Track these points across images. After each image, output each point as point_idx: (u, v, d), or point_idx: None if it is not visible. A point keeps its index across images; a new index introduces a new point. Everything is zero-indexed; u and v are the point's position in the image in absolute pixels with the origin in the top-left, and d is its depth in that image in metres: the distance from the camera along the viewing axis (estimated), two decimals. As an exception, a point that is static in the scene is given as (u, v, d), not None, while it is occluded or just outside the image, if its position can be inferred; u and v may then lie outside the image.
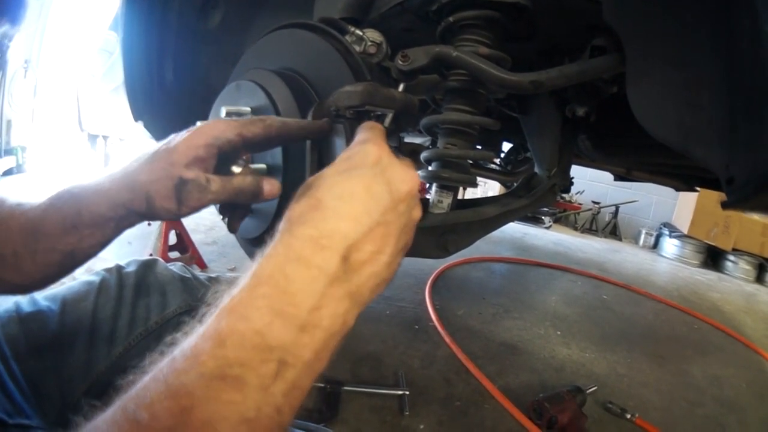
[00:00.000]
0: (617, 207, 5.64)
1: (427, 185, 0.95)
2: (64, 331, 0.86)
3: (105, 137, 3.73)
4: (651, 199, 5.78)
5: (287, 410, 0.35)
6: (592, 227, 5.64)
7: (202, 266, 2.20)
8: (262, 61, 0.78)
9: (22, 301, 0.87)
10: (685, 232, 4.82)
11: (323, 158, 0.62)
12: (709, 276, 4.37)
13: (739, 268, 4.60)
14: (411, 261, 2.65)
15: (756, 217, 4.49)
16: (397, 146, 1.10)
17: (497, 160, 2.03)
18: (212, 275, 1.24)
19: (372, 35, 0.78)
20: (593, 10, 0.71)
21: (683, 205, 5.15)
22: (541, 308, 2.42)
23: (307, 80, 0.70)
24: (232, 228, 0.68)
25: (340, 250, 0.41)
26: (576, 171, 1.58)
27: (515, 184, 1.24)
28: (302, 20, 0.74)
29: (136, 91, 1.33)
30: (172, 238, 2.16)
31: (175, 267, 1.14)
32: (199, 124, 0.61)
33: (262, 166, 0.68)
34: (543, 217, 5.34)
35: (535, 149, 1.26)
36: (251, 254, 0.91)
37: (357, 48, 0.76)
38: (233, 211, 0.67)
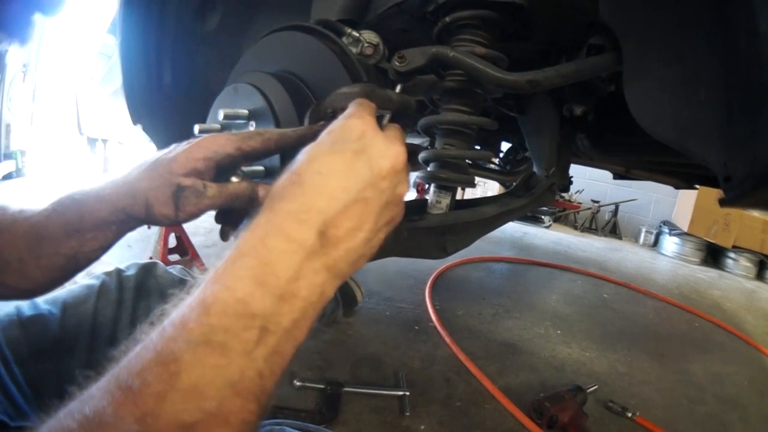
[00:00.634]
0: (617, 205, 5.64)
1: (426, 185, 0.95)
2: (64, 334, 0.86)
3: (104, 141, 3.73)
4: (650, 198, 5.79)
5: (269, 374, 0.37)
6: (591, 226, 5.64)
7: (202, 269, 2.20)
8: (259, 64, 0.78)
9: (23, 304, 0.87)
10: (685, 229, 4.82)
11: None
12: (710, 273, 4.37)
13: (739, 265, 4.60)
14: (410, 262, 2.65)
15: (756, 214, 4.49)
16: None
17: (496, 160, 2.03)
18: None
19: (369, 36, 0.78)
20: (590, 9, 0.71)
21: (683, 203, 5.15)
22: (542, 307, 2.42)
23: (304, 82, 0.70)
24: (224, 236, 0.69)
25: (317, 225, 0.42)
26: (575, 170, 1.58)
27: (514, 184, 1.24)
28: (299, 23, 0.74)
29: (134, 95, 1.33)
30: (172, 241, 2.16)
31: (175, 270, 1.15)
32: (199, 136, 0.62)
33: (260, 168, 0.68)
34: (543, 217, 5.34)
35: (533, 149, 1.27)
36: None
37: (354, 49, 0.76)
38: (228, 218, 0.68)
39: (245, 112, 0.70)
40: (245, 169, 0.67)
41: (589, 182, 5.66)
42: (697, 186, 2.02)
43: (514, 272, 3.09)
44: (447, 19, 0.82)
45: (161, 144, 1.45)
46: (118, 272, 1.02)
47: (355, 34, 0.77)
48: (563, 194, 5.44)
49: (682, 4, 0.62)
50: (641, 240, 5.58)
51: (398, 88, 0.77)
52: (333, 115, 0.59)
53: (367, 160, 0.47)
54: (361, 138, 0.48)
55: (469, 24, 0.81)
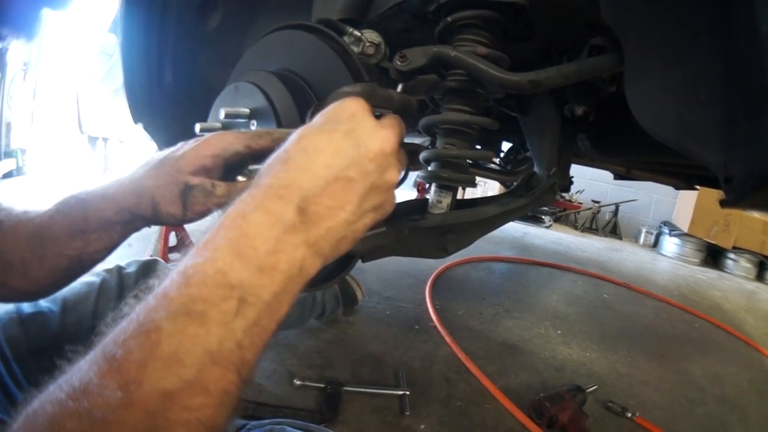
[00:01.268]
0: (617, 206, 5.64)
1: (427, 185, 0.95)
2: (64, 332, 0.87)
3: (105, 139, 3.73)
4: (651, 198, 5.79)
5: (248, 346, 0.37)
6: (592, 226, 5.64)
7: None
8: (260, 63, 0.78)
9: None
10: (686, 230, 4.82)
11: None
12: (710, 274, 4.37)
13: (739, 266, 4.60)
14: (411, 261, 2.65)
15: (756, 215, 4.49)
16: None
17: (497, 160, 2.03)
18: None
19: (370, 36, 0.78)
20: (591, 10, 0.71)
21: (683, 204, 5.15)
22: (542, 308, 2.42)
23: (305, 81, 0.70)
24: None
25: (296, 201, 0.42)
26: (576, 170, 1.58)
27: (515, 184, 1.24)
28: (300, 21, 0.74)
29: (135, 93, 1.33)
30: (173, 240, 2.16)
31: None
32: (203, 135, 0.63)
33: (262, 167, 0.68)
34: (543, 217, 5.34)
35: (534, 149, 1.27)
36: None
37: (355, 49, 0.76)
38: None
39: (246, 111, 0.70)
40: (252, 167, 0.67)
41: (590, 182, 5.66)
42: (698, 187, 2.03)
43: (514, 272, 3.09)
44: (448, 18, 0.82)
45: (162, 143, 1.45)
46: (119, 269, 1.02)
47: (357, 33, 0.77)
48: (564, 194, 5.44)
49: (683, 5, 0.62)
50: (641, 240, 5.58)
51: (399, 88, 0.77)
52: None
53: (354, 139, 0.47)
54: (352, 118, 0.49)
55: (471, 24, 0.81)
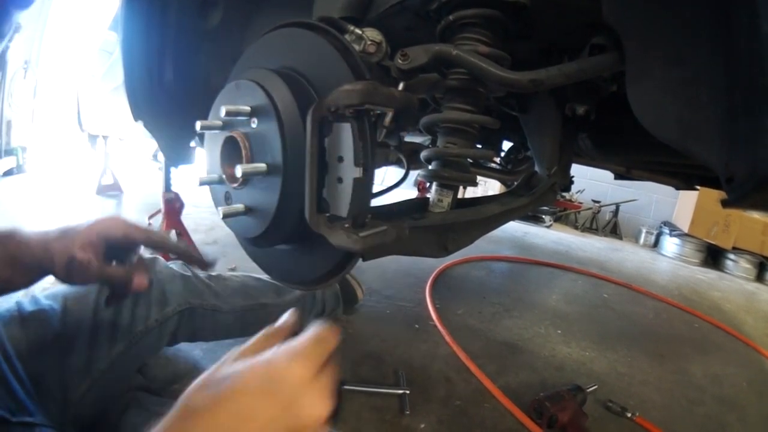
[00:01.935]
0: (617, 206, 5.64)
1: (428, 184, 0.95)
2: (65, 329, 0.87)
3: (105, 137, 3.73)
4: (651, 198, 5.79)
5: None
6: (592, 226, 5.64)
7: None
8: (261, 60, 0.78)
9: (24, 300, 0.88)
10: (686, 230, 4.82)
11: (328, 155, 0.62)
12: (710, 275, 4.37)
13: (739, 266, 4.60)
14: (411, 260, 2.65)
15: (756, 215, 4.49)
16: (397, 145, 1.11)
17: (498, 159, 2.03)
18: (212, 273, 1.24)
19: (371, 34, 0.78)
20: (593, 9, 0.71)
21: (684, 204, 5.15)
22: (542, 307, 2.42)
23: (306, 79, 0.70)
24: (107, 304, 0.83)
25: None
26: (576, 170, 1.58)
27: (515, 183, 1.24)
28: (302, 19, 0.74)
29: (135, 91, 1.33)
30: (173, 239, 2.16)
31: (176, 266, 1.15)
32: (100, 222, 0.77)
33: (262, 165, 0.68)
34: (543, 216, 5.34)
35: (535, 148, 1.27)
36: (250, 253, 0.91)
37: (356, 47, 0.76)
38: (112, 292, 0.81)
39: (247, 108, 0.70)
40: (246, 165, 0.67)
41: (590, 182, 5.66)
42: (698, 187, 2.02)
43: (514, 272, 3.09)
44: (450, 17, 0.82)
45: (162, 140, 1.46)
46: None
47: (358, 31, 0.77)
48: (564, 194, 5.44)
49: (684, 5, 0.62)
50: (642, 240, 5.58)
51: (401, 86, 0.77)
52: (335, 112, 0.59)
53: (293, 416, 0.45)
54: (297, 388, 0.46)
55: (473, 23, 0.81)
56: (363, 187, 0.60)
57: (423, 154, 0.88)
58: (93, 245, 0.74)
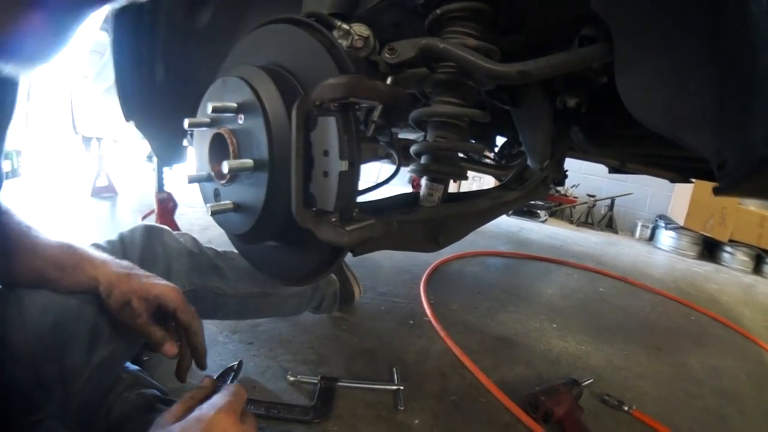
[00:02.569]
0: (613, 200, 5.64)
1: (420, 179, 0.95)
2: (67, 318, 0.85)
3: (99, 139, 3.71)
4: (646, 192, 5.79)
5: None
6: (587, 220, 5.65)
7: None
8: (249, 57, 0.78)
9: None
10: (682, 223, 4.82)
11: (314, 149, 0.62)
12: (707, 267, 4.37)
13: (736, 259, 4.60)
14: (405, 256, 2.65)
15: (753, 207, 4.49)
16: (388, 141, 1.11)
17: (491, 155, 2.03)
18: (219, 250, 1.24)
19: (359, 29, 0.78)
20: (581, 0, 0.70)
21: (679, 197, 5.15)
22: (537, 301, 2.42)
23: (293, 75, 0.70)
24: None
25: None
26: (571, 164, 1.58)
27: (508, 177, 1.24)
28: (289, 15, 0.74)
29: (126, 92, 1.32)
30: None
31: (184, 239, 1.14)
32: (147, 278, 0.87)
33: (249, 161, 0.67)
34: (538, 211, 5.34)
35: (527, 142, 1.26)
36: (241, 250, 0.91)
37: (344, 42, 0.76)
38: (145, 344, 0.91)
39: (234, 105, 0.69)
40: (232, 162, 0.67)
41: (585, 176, 5.67)
42: (693, 180, 2.02)
43: (509, 267, 3.09)
44: (438, 11, 0.82)
45: (153, 140, 1.45)
46: (122, 239, 1.03)
47: (346, 26, 0.76)
48: (559, 188, 5.44)
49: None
50: (637, 234, 5.58)
51: (389, 80, 0.77)
52: (320, 106, 0.59)
53: None
54: None
55: (460, 16, 0.81)
56: (349, 180, 0.60)
57: (413, 149, 0.88)
58: (148, 302, 0.84)
